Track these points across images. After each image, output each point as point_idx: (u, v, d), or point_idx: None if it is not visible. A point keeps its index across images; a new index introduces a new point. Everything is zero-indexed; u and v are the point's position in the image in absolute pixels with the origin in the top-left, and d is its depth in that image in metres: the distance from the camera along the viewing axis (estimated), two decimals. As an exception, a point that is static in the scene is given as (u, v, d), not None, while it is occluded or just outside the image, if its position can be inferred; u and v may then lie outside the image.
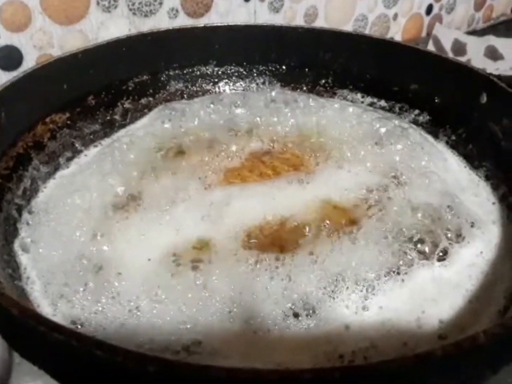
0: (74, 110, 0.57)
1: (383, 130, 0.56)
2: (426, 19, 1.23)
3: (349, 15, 1.07)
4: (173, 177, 0.54)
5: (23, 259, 0.44)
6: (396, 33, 1.19)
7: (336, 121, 0.59)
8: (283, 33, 0.65)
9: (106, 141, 0.59)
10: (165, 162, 0.56)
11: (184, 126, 0.61)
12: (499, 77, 0.53)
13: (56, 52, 0.75)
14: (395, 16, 1.16)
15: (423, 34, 1.24)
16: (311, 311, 0.38)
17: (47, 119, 0.54)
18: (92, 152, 0.57)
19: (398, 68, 0.61)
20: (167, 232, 0.48)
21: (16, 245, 0.44)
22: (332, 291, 0.39)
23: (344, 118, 0.59)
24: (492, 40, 1.18)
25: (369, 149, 0.54)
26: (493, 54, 1.15)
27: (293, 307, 0.38)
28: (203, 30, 0.64)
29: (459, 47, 1.16)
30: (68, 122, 0.56)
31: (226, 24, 0.65)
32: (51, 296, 0.41)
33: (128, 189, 0.52)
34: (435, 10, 1.24)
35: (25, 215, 0.48)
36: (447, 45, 1.17)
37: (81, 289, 0.41)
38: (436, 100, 0.59)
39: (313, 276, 0.40)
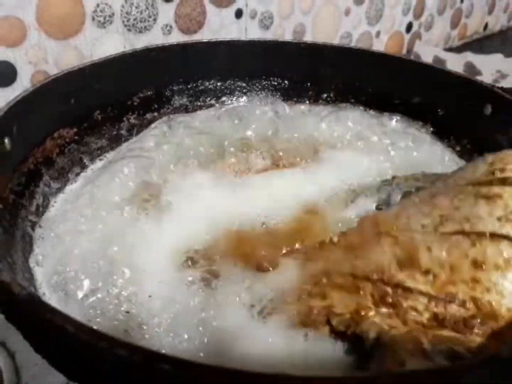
0: (81, 125, 0.56)
1: (392, 136, 0.57)
2: (407, 37, 1.27)
3: (335, 32, 1.10)
4: (183, 186, 0.54)
5: (38, 274, 0.42)
6: (379, 50, 1.22)
7: (342, 129, 0.60)
8: (285, 48, 0.65)
9: (111, 154, 0.58)
10: (174, 173, 0.56)
11: (187, 139, 0.60)
12: (502, 88, 0.55)
13: (50, 68, 0.74)
14: (378, 34, 1.19)
15: (404, 51, 1.28)
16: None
17: (55, 134, 0.53)
18: (98, 165, 0.57)
19: (400, 82, 0.62)
20: (182, 241, 0.47)
21: (32, 261, 0.43)
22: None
23: (350, 126, 0.60)
24: (469, 56, 1.23)
25: (384, 156, 0.55)
26: (471, 70, 1.19)
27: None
28: (206, 45, 0.64)
29: (439, 64, 1.20)
30: (76, 137, 0.55)
31: (229, 39, 0.65)
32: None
33: (136, 199, 0.51)
34: (415, 27, 1.28)
35: (37, 230, 0.47)
36: (428, 62, 1.20)
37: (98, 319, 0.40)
38: (439, 113, 0.61)
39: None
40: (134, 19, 0.80)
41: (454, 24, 1.40)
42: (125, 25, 0.79)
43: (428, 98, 0.61)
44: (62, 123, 0.54)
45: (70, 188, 0.53)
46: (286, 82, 0.67)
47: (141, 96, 0.61)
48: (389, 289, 0.36)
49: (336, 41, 1.10)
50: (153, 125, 0.62)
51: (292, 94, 0.68)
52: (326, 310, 0.37)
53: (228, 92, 0.67)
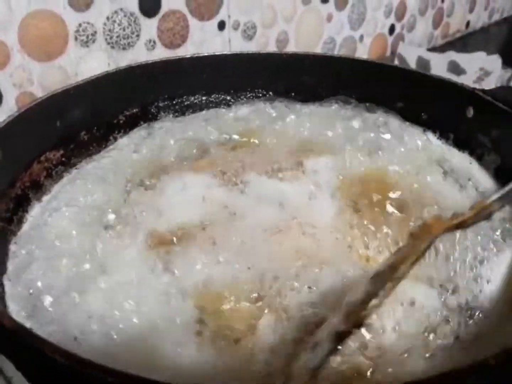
0: (67, 146, 0.56)
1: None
2: (390, 39, 1.28)
3: (318, 38, 1.11)
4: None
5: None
6: (363, 54, 1.23)
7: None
8: (268, 59, 0.66)
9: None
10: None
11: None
12: (483, 91, 0.55)
13: (36, 89, 0.74)
14: (361, 38, 1.20)
15: (388, 53, 1.29)
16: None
17: (42, 158, 0.53)
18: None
19: (383, 88, 0.63)
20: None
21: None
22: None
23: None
24: (453, 55, 1.24)
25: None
26: (455, 69, 1.20)
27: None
28: (190, 60, 0.64)
29: (423, 64, 1.21)
30: (63, 159, 0.55)
31: (212, 53, 0.66)
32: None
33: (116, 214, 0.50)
34: (397, 29, 1.29)
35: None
36: (412, 63, 1.21)
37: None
38: (423, 117, 0.61)
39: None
40: (117, 36, 0.80)
41: (436, 24, 1.41)
42: (108, 43, 0.80)
43: (411, 102, 0.62)
44: (48, 146, 0.54)
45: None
46: (270, 93, 0.68)
47: (127, 114, 0.62)
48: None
49: (319, 47, 1.11)
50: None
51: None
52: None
53: (213, 106, 0.67)
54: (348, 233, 0.47)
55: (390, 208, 0.50)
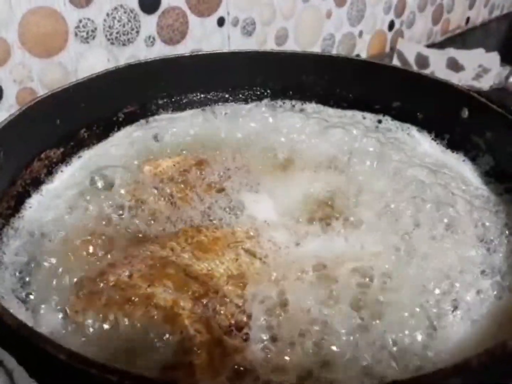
0: (67, 144, 0.57)
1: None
2: (389, 35, 1.29)
3: (317, 35, 1.11)
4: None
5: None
6: (362, 50, 1.23)
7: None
8: (267, 58, 0.66)
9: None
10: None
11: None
12: (478, 92, 0.56)
13: (36, 85, 0.75)
14: (360, 34, 1.21)
15: (387, 49, 1.29)
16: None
17: (42, 155, 0.54)
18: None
19: (380, 87, 0.63)
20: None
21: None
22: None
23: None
24: (452, 52, 1.24)
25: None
26: (454, 65, 1.20)
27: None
28: (189, 58, 0.65)
29: (422, 60, 1.21)
30: (63, 156, 0.56)
31: (211, 51, 0.66)
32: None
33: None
34: (397, 25, 1.29)
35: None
36: (411, 59, 1.22)
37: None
38: (419, 116, 0.62)
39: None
40: (117, 33, 0.81)
41: (436, 20, 1.41)
42: (108, 39, 0.80)
43: (407, 102, 0.63)
44: (49, 144, 0.55)
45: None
46: (268, 91, 0.68)
47: (126, 111, 0.62)
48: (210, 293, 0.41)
49: (318, 43, 1.11)
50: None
51: (275, 103, 0.68)
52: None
53: (212, 103, 0.68)
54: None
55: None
